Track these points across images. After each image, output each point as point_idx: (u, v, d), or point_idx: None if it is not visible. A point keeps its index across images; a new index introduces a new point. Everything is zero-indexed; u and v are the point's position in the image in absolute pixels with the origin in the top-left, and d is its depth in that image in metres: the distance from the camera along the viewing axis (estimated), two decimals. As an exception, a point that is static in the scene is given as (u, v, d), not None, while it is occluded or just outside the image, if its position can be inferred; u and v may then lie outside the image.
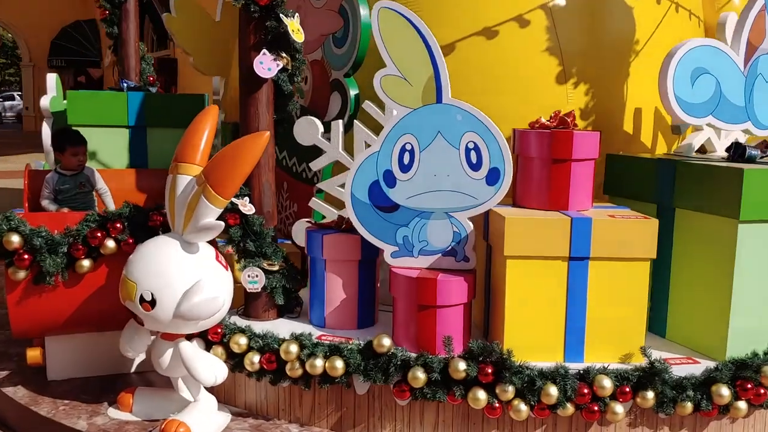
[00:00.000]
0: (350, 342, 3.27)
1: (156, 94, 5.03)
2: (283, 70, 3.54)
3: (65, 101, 5.38)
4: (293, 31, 3.44)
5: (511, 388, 3.04)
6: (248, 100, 3.57)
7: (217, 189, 3.11)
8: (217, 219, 3.18)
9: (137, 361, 4.03)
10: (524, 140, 3.34)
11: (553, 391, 3.03)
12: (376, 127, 3.84)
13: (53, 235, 3.48)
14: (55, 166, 4.43)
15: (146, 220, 3.60)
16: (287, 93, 3.62)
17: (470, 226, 3.30)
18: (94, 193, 4.44)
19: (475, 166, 3.22)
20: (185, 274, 3.14)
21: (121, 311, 3.63)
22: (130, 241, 3.55)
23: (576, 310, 3.17)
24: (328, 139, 3.90)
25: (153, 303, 3.12)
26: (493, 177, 3.21)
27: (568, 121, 3.31)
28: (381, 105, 3.80)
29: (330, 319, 3.59)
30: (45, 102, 5.10)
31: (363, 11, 3.86)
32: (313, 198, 4.02)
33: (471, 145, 3.21)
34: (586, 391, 3.05)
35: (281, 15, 3.41)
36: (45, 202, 4.30)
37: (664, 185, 3.54)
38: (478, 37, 4.27)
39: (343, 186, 3.93)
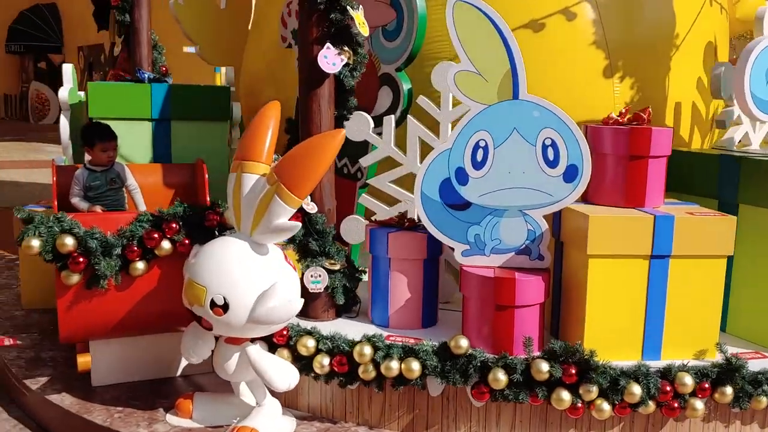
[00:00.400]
0: (424, 343, 3.20)
1: (181, 86, 4.85)
2: (346, 64, 3.42)
3: (81, 93, 5.17)
4: (359, 24, 3.32)
5: (595, 388, 3.02)
6: (310, 95, 3.45)
7: (292, 188, 2.99)
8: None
9: (183, 364, 3.90)
10: (598, 136, 3.30)
11: (636, 389, 3.02)
12: (429, 123, 3.78)
13: (107, 237, 3.32)
14: (84, 162, 4.25)
15: (202, 220, 3.46)
16: (348, 88, 3.51)
17: (545, 224, 3.25)
18: (124, 189, 4.27)
19: (552, 163, 3.17)
20: (259, 277, 3.02)
21: (171, 314, 3.51)
22: (186, 242, 3.41)
23: (655, 308, 3.16)
24: (379, 135, 3.81)
25: (225, 307, 2.99)
26: (570, 174, 3.17)
27: (644, 117, 3.27)
28: (435, 100, 3.74)
29: (394, 319, 3.51)
30: (63, 94, 4.86)
31: (420, 3, 3.76)
32: (363, 195, 3.93)
33: (548, 142, 3.16)
34: (668, 388, 3.04)
35: (348, 7, 3.29)
36: (75, 200, 4.12)
37: (727, 181, 3.55)
38: (524, 31, 4.22)
39: (393, 182, 3.86)
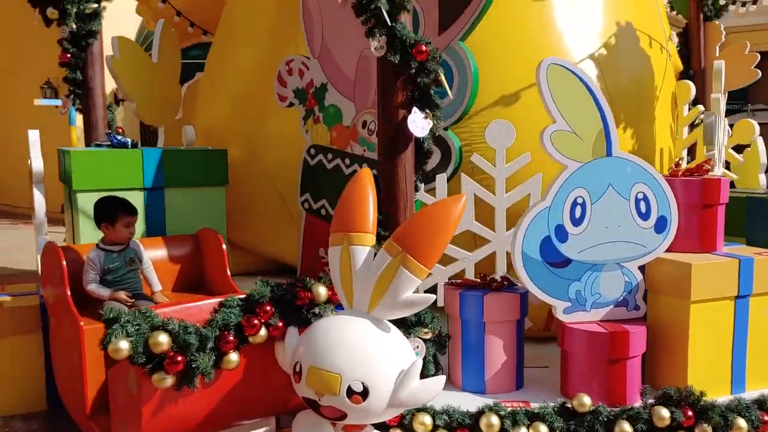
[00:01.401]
0: (547, 405, 3.17)
1: (175, 150, 4.44)
2: (428, 127, 3.36)
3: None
4: (444, 85, 3.28)
5: (709, 427, 3.16)
6: (395, 160, 3.33)
7: (420, 258, 2.85)
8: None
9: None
10: (672, 187, 3.49)
11: (742, 423, 3.19)
12: (481, 180, 3.81)
13: (200, 329, 2.94)
14: (97, 242, 3.75)
15: (294, 299, 3.18)
16: (426, 150, 3.43)
17: (640, 275, 3.38)
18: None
19: (644, 216, 3.32)
20: (395, 357, 2.83)
21: (256, 404, 3.20)
22: (280, 324, 3.12)
23: (740, 344, 3.39)
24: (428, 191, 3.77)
25: (365, 394, 2.77)
26: (660, 225, 3.34)
27: (708, 169, 3.53)
28: (490, 157, 3.78)
29: (491, 384, 3.44)
30: (38, 165, 4.24)
31: (473, 62, 3.78)
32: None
33: (640, 196, 3.31)
34: (767, 418, 3.26)
35: (438, 71, 3.24)
36: (92, 286, 3.64)
37: (755, 221, 3.92)
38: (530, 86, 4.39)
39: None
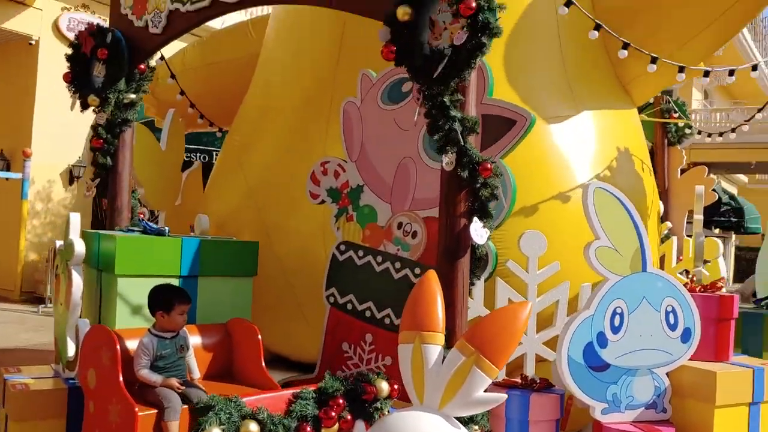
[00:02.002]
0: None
1: (212, 241, 4.58)
2: (480, 235, 3.68)
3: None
4: (504, 200, 3.63)
5: None
6: (455, 264, 3.61)
7: (493, 360, 3.11)
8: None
9: None
10: (691, 302, 3.91)
11: None
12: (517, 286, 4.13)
13: (284, 419, 3.06)
14: (149, 328, 3.83)
15: (362, 393, 3.34)
16: (479, 257, 3.74)
17: (668, 380, 3.72)
18: (184, 356, 3.92)
19: (673, 327, 3.70)
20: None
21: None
22: (349, 418, 3.27)
23: (753, 447, 3.75)
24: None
25: (444, 488, 2.94)
26: (686, 336, 3.72)
27: (720, 286, 3.98)
28: (522, 262, 4.12)
29: (533, 480, 3.65)
30: (80, 248, 4.28)
31: (512, 179, 4.16)
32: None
33: (669, 309, 3.70)
34: None
35: (498, 186, 3.59)
36: (144, 372, 3.69)
37: (751, 334, 4.37)
38: (551, 202, 4.83)
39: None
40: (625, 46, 5.04)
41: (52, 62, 12.68)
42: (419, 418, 3.09)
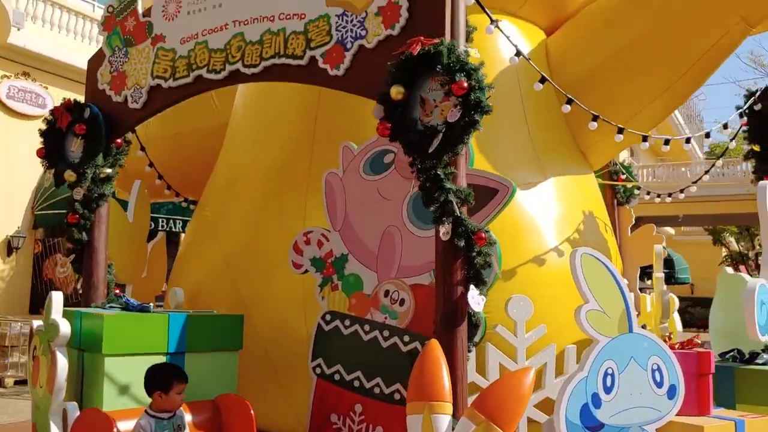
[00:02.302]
0: None
1: (198, 316, 4.55)
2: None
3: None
4: (497, 263, 3.78)
5: None
6: (453, 332, 3.71)
7: (502, 425, 3.21)
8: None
9: None
10: (672, 359, 4.10)
11: None
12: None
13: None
14: (145, 409, 3.76)
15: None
16: (475, 323, 3.84)
17: (657, 436, 3.88)
18: (179, 436, 3.85)
19: (659, 384, 3.87)
20: None
21: None
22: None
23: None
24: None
25: None
26: (671, 392, 3.90)
27: (698, 343, 4.20)
28: (510, 326, 4.26)
29: None
30: (66, 329, 4.16)
31: (497, 248, 4.31)
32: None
33: (655, 367, 3.88)
34: None
35: (493, 254, 3.74)
36: (144, 456, 3.61)
37: (723, 387, 4.59)
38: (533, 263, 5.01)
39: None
40: (595, 118, 5.31)
41: (-10, 129, 12.44)
42: (434, 487, 3.13)
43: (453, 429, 3.31)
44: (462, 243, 3.65)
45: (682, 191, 6.69)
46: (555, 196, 5.46)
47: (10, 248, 13.19)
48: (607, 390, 3.79)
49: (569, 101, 4.95)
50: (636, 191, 7.56)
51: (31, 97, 13.38)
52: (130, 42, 4.92)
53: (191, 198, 7.34)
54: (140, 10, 4.93)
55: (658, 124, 6.13)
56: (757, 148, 5.47)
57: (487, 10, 4.19)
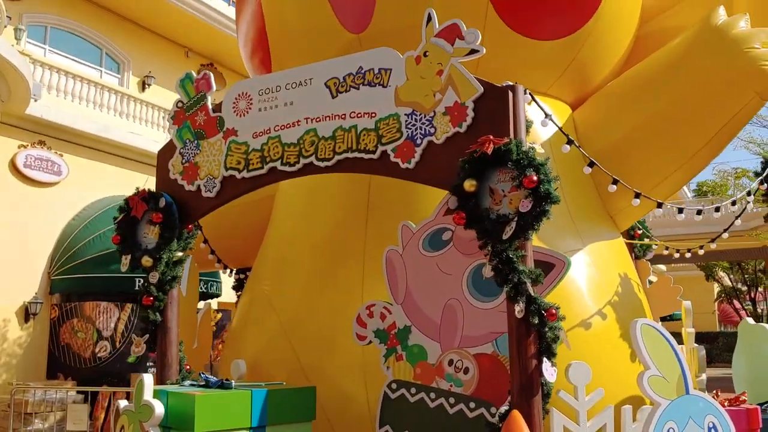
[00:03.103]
0: None
1: (276, 391, 4.86)
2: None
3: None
4: (567, 342, 4.16)
5: None
6: (530, 401, 4.07)
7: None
8: None
9: None
10: (724, 416, 4.48)
11: None
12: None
13: None
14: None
15: None
16: (547, 392, 4.19)
17: (718, 490, 4.23)
18: None
19: (717, 441, 4.24)
20: None
21: None
22: None
23: None
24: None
25: None
26: (727, 448, 4.26)
27: (744, 399, 4.58)
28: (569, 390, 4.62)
29: None
30: (160, 410, 4.47)
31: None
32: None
33: (711, 425, 4.25)
34: None
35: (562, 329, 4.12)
36: None
37: (765, 437, 4.96)
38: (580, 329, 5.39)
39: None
40: (615, 181, 5.78)
41: (6, 200, 12.72)
42: None
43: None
44: (536, 320, 4.03)
45: (701, 247, 7.12)
46: (593, 261, 5.87)
47: (27, 314, 13.37)
48: (671, 451, 4.15)
49: (591, 164, 5.41)
50: (654, 247, 7.99)
51: (47, 165, 13.78)
52: (201, 135, 5.32)
53: (232, 267, 7.69)
54: (210, 105, 5.34)
55: (678, 190, 6.58)
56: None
57: (541, 104, 4.65)
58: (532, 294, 4.05)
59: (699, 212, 6.22)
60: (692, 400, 4.27)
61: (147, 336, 5.39)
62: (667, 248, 7.86)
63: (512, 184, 4.10)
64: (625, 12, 6.54)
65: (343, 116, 4.77)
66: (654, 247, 8.08)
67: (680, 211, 6.00)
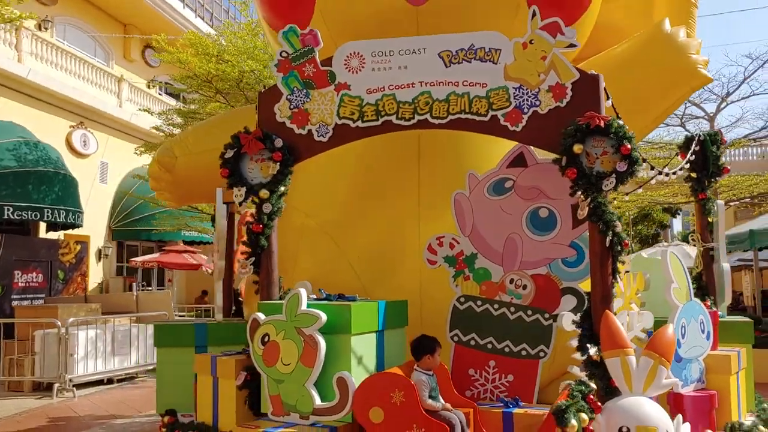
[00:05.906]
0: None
1: (390, 303, 5.96)
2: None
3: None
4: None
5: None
6: (607, 306, 5.68)
7: (669, 360, 5.30)
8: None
9: None
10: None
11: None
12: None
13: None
14: (415, 368, 5.26)
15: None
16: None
17: (703, 363, 6.25)
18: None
19: (703, 331, 6.24)
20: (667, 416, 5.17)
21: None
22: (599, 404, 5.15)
23: None
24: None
25: (668, 436, 5.03)
26: (708, 336, 6.29)
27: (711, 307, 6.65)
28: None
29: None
30: (323, 317, 5.35)
31: (596, 246, 6.34)
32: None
33: (701, 320, 6.24)
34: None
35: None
36: (430, 401, 5.16)
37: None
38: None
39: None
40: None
41: None
42: (638, 399, 5.14)
43: (637, 365, 5.29)
44: (618, 248, 5.63)
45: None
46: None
47: (100, 255, 21.26)
48: (683, 336, 6.06)
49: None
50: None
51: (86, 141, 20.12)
52: (310, 85, 6.07)
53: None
54: (318, 59, 6.10)
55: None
56: (694, 174, 8.03)
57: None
58: (618, 229, 5.63)
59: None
60: (693, 305, 6.21)
61: (253, 259, 6.11)
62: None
63: (603, 149, 5.60)
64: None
65: (456, 83, 5.89)
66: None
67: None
